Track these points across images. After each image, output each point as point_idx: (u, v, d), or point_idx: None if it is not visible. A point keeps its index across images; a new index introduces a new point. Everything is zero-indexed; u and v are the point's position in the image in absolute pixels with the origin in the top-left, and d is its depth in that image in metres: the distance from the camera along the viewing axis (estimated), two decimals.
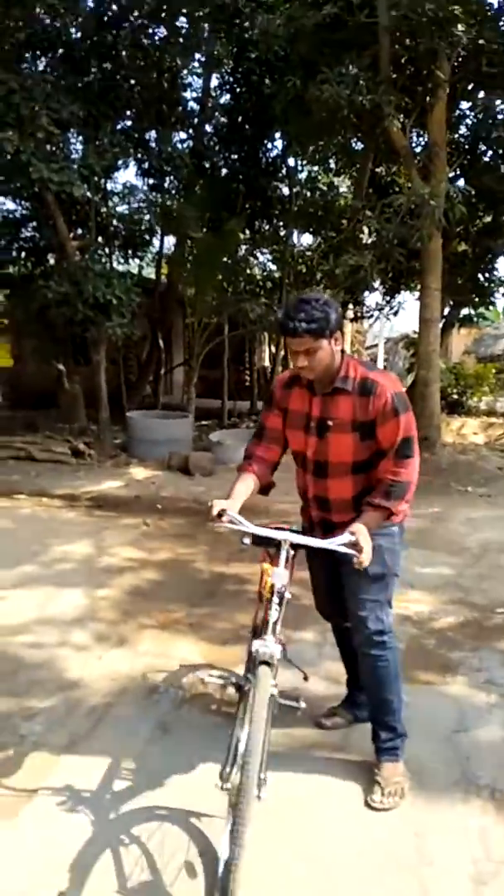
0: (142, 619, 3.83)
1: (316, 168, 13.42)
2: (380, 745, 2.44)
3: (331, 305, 2.14)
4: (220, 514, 2.11)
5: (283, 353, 13.97)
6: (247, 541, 2.19)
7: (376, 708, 2.45)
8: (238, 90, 11.78)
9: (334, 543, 2.09)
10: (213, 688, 2.97)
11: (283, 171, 12.61)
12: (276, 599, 2.07)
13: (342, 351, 2.24)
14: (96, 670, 3.25)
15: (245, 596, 4.11)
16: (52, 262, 10.90)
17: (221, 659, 3.34)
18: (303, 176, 13.18)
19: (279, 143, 12.34)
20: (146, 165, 11.45)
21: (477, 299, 13.15)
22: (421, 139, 10.77)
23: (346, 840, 2.17)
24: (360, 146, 11.57)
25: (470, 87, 9.83)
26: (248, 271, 12.76)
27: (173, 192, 11.90)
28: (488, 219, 11.79)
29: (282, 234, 13.02)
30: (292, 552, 2.14)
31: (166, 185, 11.88)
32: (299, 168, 13.02)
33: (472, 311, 14.15)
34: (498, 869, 2.04)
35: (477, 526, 6.00)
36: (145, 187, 12.23)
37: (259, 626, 2.16)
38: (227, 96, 12.25)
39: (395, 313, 14.49)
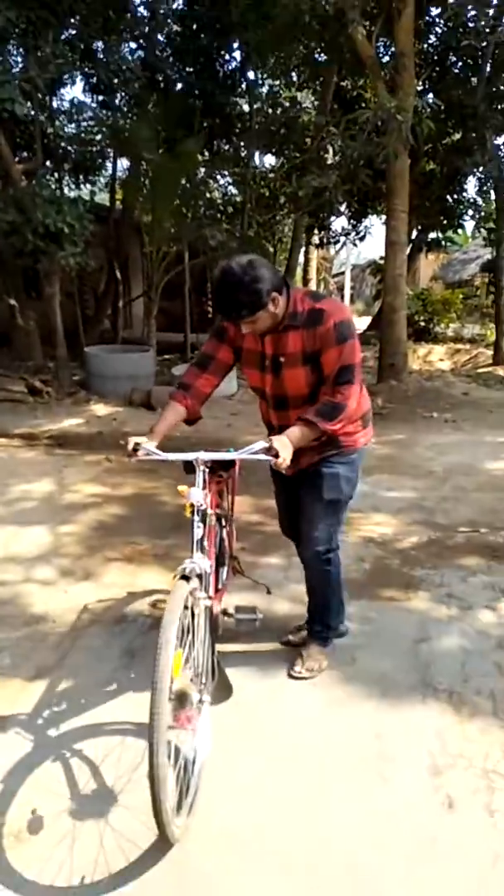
0: (107, 553, 3.89)
1: (277, 82, 12.88)
2: (312, 630, 2.79)
3: (260, 277, 2.12)
4: (134, 449, 2.23)
5: None
6: (180, 488, 2.26)
7: (317, 607, 2.76)
8: None
9: (246, 452, 2.19)
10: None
11: (243, 85, 12.08)
12: (196, 518, 2.15)
13: (287, 290, 2.25)
14: (62, 604, 3.31)
15: None
16: None
17: None
18: (263, 91, 12.65)
19: (237, 55, 11.79)
20: (94, 80, 10.80)
21: (445, 222, 13.02)
22: (388, 49, 10.37)
23: (308, 740, 2.32)
24: (323, 57, 11.11)
25: None
26: (208, 195, 12.38)
27: (125, 109, 11.32)
28: (457, 136, 11.55)
29: (242, 154, 12.57)
30: (207, 470, 2.22)
31: (117, 101, 11.28)
32: (259, 82, 12.48)
33: (440, 235, 14.04)
34: (454, 761, 2.20)
35: (442, 450, 6.15)
36: (94, 105, 11.61)
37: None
38: (181, 1, 11.56)
39: (362, 238, 14.36)
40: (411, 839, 1.92)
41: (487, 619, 3.11)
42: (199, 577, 2.07)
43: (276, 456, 2.13)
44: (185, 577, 2.01)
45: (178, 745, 1.98)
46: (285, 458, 2.14)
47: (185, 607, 1.95)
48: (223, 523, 2.77)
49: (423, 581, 3.50)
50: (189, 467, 2.27)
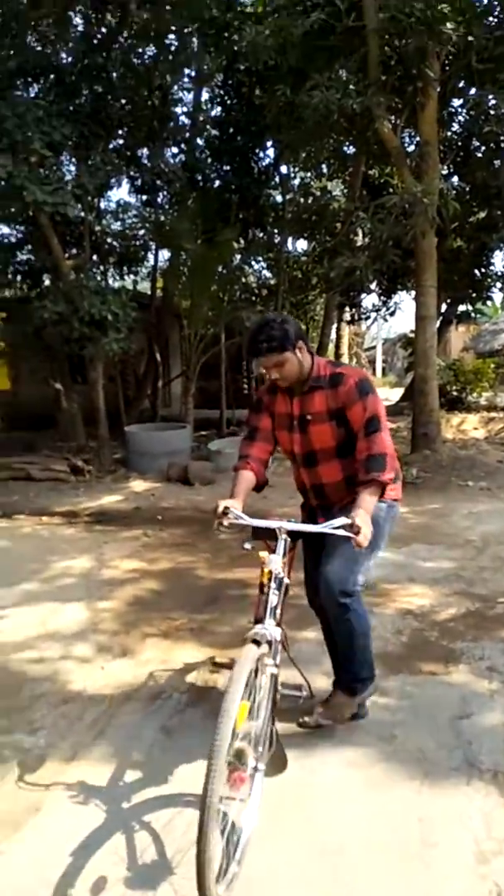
0: (144, 629, 3.90)
1: (308, 174, 13.63)
2: (338, 681, 2.70)
3: (288, 322, 2.49)
4: (224, 512, 2.31)
5: None
6: (247, 545, 2.37)
7: (342, 656, 2.65)
8: (229, 102, 12.03)
9: (330, 527, 2.22)
10: (218, 679, 3.09)
11: (276, 178, 12.81)
12: (273, 585, 2.21)
13: (311, 354, 2.55)
14: (99, 680, 3.31)
15: (248, 600, 4.17)
16: (47, 282, 11.08)
17: (224, 661, 3.39)
18: (295, 182, 13.40)
19: (271, 152, 12.58)
20: (139, 182, 11.67)
21: (474, 295, 13.27)
22: (413, 139, 10.93)
23: (350, 828, 2.23)
24: (351, 149, 11.77)
25: (461, 85, 9.99)
26: (243, 280, 12.95)
27: (166, 206, 12.10)
28: (482, 214, 11.94)
29: (276, 241, 13.19)
30: (289, 540, 2.29)
31: (159, 199, 12.08)
32: (292, 175, 13.23)
33: (470, 308, 14.27)
34: (500, 847, 2.09)
35: (478, 519, 6.06)
36: (138, 203, 12.47)
37: (260, 616, 2.27)
38: (218, 109, 12.50)
39: (392, 314, 14.67)
40: None
41: None
42: (269, 643, 2.11)
43: (358, 533, 2.17)
44: (256, 642, 2.05)
45: (227, 812, 1.92)
46: (366, 534, 2.19)
47: (253, 670, 1.98)
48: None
49: (464, 654, 3.40)
50: (260, 534, 2.35)
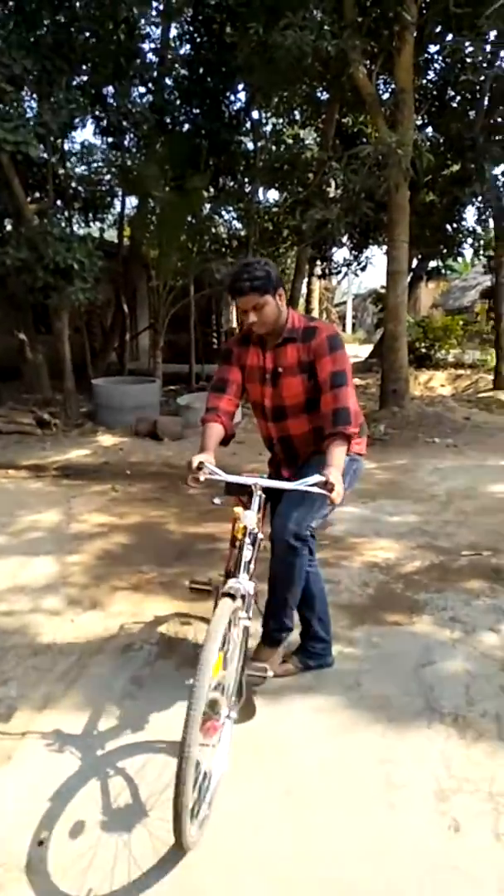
0: (114, 582, 3.91)
1: (281, 120, 13.22)
2: (266, 631, 2.75)
3: (270, 265, 2.49)
4: (199, 467, 2.29)
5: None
6: (217, 500, 2.41)
7: (274, 601, 2.67)
8: (198, 40, 11.52)
9: (304, 484, 2.23)
10: (188, 631, 3.15)
11: (248, 124, 12.40)
12: (248, 540, 2.24)
13: (287, 306, 2.57)
14: (70, 633, 3.32)
15: (217, 553, 4.21)
16: (8, 228, 10.64)
17: (195, 612, 3.45)
18: (267, 129, 12.99)
19: (242, 96, 12.14)
20: (104, 123, 11.16)
21: (445, 251, 13.20)
22: (388, 86, 10.65)
23: (316, 771, 2.31)
24: (325, 95, 11.42)
25: (438, 30, 9.72)
26: (213, 230, 12.63)
27: (134, 149, 11.64)
28: (456, 167, 11.78)
29: (247, 190, 12.85)
30: (263, 496, 2.32)
31: (126, 142, 11.62)
32: (263, 121, 12.81)
33: (441, 264, 14.22)
34: (459, 785, 2.20)
35: (444, 475, 6.18)
36: (104, 146, 11.96)
37: (231, 570, 2.33)
38: (188, 47, 11.95)
39: (363, 268, 14.54)
40: (418, 864, 1.92)
41: (491, 642, 3.11)
42: (243, 597, 2.16)
43: (332, 490, 2.18)
44: (231, 596, 2.09)
45: (199, 759, 1.96)
46: (339, 492, 2.21)
47: (229, 622, 2.03)
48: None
49: (427, 605, 3.50)
50: (233, 490, 2.38)
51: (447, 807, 2.12)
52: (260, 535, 2.30)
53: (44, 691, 2.82)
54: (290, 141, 12.90)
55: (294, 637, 2.96)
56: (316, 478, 2.22)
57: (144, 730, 2.53)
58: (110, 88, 10.95)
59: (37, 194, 11.12)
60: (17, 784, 2.26)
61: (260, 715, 2.57)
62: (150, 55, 11.83)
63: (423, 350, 14.44)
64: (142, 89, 11.87)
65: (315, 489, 2.20)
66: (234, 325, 16.61)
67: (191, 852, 1.91)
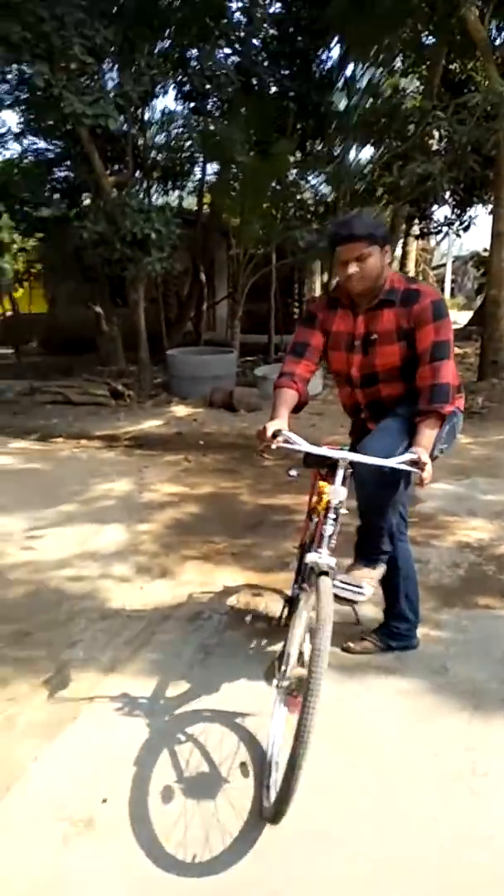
0: (184, 552, 3.95)
1: (379, 71, 12.74)
2: (359, 554, 2.52)
3: (381, 219, 2.36)
4: (274, 435, 2.19)
5: (335, 281, 13.69)
6: (293, 472, 2.31)
7: (367, 530, 2.50)
8: None
9: (394, 461, 2.14)
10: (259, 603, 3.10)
11: (340, 82, 12.04)
12: (331, 515, 2.14)
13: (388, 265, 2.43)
14: (138, 600, 3.38)
15: (291, 526, 4.18)
16: (87, 201, 10.87)
17: (266, 583, 3.43)
18: (362, 84, 12.56)
19: (335, 52, 11.78)
20: (187, 88, 11.13)
21: None
22: (501, 31, 10.12)
23: (400, 752, 2.25)
24: (431, 40, 10.94)
25: None
26: (298, 196, 12.42)
27: (216, 114, 11.57)
28: None
29: (336, 152, 12.53)
30: (350, 471, 2.19)
31: (209, 107, 11.55)
32: (358, 76, 12.41)
33: None
34: None
35: None
36: (186, 112, 11.95)
37: (310, 542, 2.29)
38: (278, 5, 11.70)
39: (466, 229, 13.95)
40: (500, 853, 1.83)
41: None
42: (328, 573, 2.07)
43: (423, 469, 2.12)
44: (325, 573, 2.01)
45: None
46: (430, 472, 2.14)
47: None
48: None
49: None
50: (312, 462, 2.28)
51: None
52: (344, 511, 2.19)
53: (111, 655, 2.88)
54: (388, 92, 12.44)
55: (376, 614, 2.89)
56: (407, 455, 2.14)
57: (213, 698, 2.54)
58: (194, 52, 10.90)
59: (116, 166, 11.27)
60: (82, 743, 2.31)
61: (342, 692, 2.52)
62: (237, 14, 11.68)
63: None
64: (227, 51, 11.73)
65: (404, 466, 2.13)
66: (318, 293, 16.39)
67: (274, 826, 1.91)
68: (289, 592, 2.94)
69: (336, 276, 2.62)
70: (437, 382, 2.32)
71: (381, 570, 2.51)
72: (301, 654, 2.13)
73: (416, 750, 2.26)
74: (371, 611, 2.99)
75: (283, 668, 2.14)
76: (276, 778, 1.97)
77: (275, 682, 2.14)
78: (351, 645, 2.81)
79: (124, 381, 9.27)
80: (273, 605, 3.19)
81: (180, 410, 8.15)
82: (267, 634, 2.91)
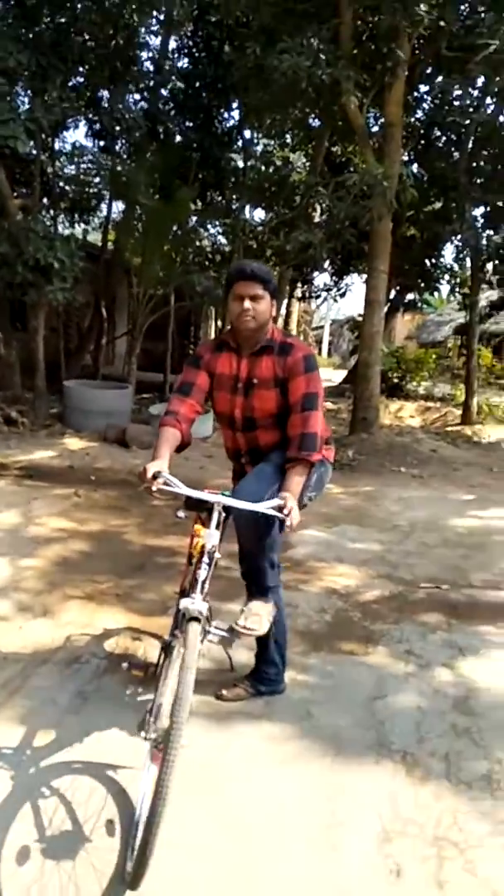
0: (67, 590, 3.77)
1: (272, 142, 13.30)
2: (251, 591, 2.53)
3: (272, 273, 2.51)
4: (154, 476, 2.14)
5: (229, 326, 13.91)
6: (181, 513, 2.25)
7: (250, 570, 2.52)
8: (196, 55, 11.55)
9: (262, 507, 2.16)
10: (138, 648, 3.03)
11: (239, 142, 12.44)
12: (205, 560, 2.12)
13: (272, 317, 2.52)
14: (16, 641, 3.18)
15: (176, 568, 4.11)
16: None
17: (147, 627, 3.33)
18: (258, 149, 13.04)
19: (236, 114, 12.19)
20: (97, 126, 11.09)
21: (423, 284, 13.39)
22: (377, 120, 10.82)
23: (260, 803, 2.21)
24: (317, 123, 11.55)
25: (428, 71, 9.93)
26: (198, 243, 12.59)
27: (124, 156, 11.57)
28: (438, 204, 11.98)
29: (234, 207, 12.88)
30: (224, 514, 2.19)
31: (117, 148, 11.55)
32: (255, 141, 12.86)
33: (417, 297, 14.41)
34: (404, 827, 2.13)
35: (408, 505, 6.18)
36: (95, 149, 11.87)
37: (187, 588, 2.24)
38: (186, 60, 11.97)
39: (342, 295, 14.69)
40: None
41: (444, 678, 3.06)
42: (196, 619, 2.02)
43: (289, 514, 2.13)
44: (196, 619, 1.98)
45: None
46: (295, 518, 2.15)
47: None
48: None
49: (384, 636, 3.44)
50: (192, 505, 2.24)
51: (391, 849, 2.04)
52: (217, 555, 2.18)
53: None
54: (279, 162, 12.98)
55: (248, 659, 2.88)
56: (275, 501, 2.17)
57: (85, 749, 2.41)
58: (105, 93, 10.92)
59: (23, 190, 10.93)
60: None
61: (207, 740, 2.47)
62: (147, 64, 11.85)
63: (396, 380, 14.57)
64: (137, 97, 11.86)
65: (273, 512, 2.15)
66: (212, 338, 16.56)
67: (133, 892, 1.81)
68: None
69: (228, 319, 2.66)
70: (305, 431, 2.39)
71: (272, 603, 2.51)
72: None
73: (280, 800, 2.23)
74: (244, 656, 2.98)
75: (151, 719, 2.05)
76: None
77: (142, 734, 2.04)
78: (224, 693, 2.77)
79: (19, 408, 8.84)
80: (151, 651, 3.10)
81: (74, 443, 7.87)
82: (144, 682, 2.81)
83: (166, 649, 2.26)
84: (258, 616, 2.41)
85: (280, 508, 2.14)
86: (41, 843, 1.98)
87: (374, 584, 4.17)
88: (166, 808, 1.70)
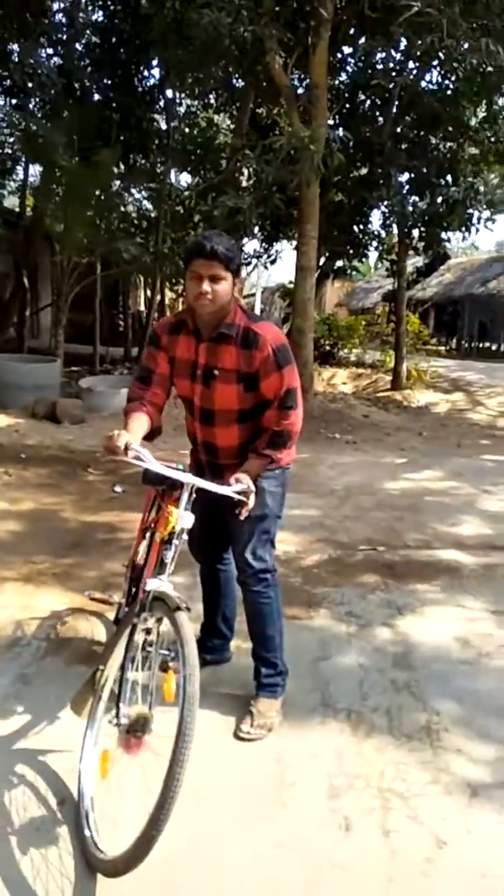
0: (3, 572, 3.66)
1: (195, 102, 12.91)
2: (260, 681, 2.56)
3: (237, 248, 2.32)
4: (126, 447, 2.02)
5: (158, 297, 13.61)
6: (118, 488, 2.23)
7: (259, 644, 2.57)
8: (112, 7, 10.98)
9: (230, 490, 2.14)
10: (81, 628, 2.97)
11: (161, 102, 12.02)
12: (176, 541, 2.08)
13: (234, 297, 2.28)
14: None
15: (116, 544, 4.06)
16: None
17: (89, 606, 3.27)
18: (181, 110, 12.64)
19: (157, 73, 11.75)
20: (8, 83, 10.46)
21: (351, 251, 13.45)
22: (303, 82, 10.68)
23: (210, 771, 2.23)
24: (241, 83, 11.28)
25: (352, 32, 9.82)
26: (123, 208, 12.16)
27: (39, 115, 10.98)
28: (365, 170, 11.99)
29: (158, 170, 12.49)
30: (194, 495, 2.11)
31: (31, 106, 10.94)
32: (178, 101, 12.46)
33: (346, 264, 14.49)
34: (351, 782, 2.20)
35: (343, 470, 6.30)
36: (7, 108, 11.21)
37: (146, 565, 2.25)
38: (100, 13, 11.39)
39: (273, 262, 14.55)
40: (306, 866, 1.89)
41: (384, 637, 3.16)
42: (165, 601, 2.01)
43: (248, 496, 2.14)
44: (180, 608, 1.96)
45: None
46: (250, 504, 2.17)
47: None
48: None
49: (325, 599, 3.52)
50: (152, 480, 2.21)
51: (338, 804, 2.11)
52: (185, 536, 2.13)
53: None
54: (203, 124, 12.65)
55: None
56: (240, 486, 2.15)
57: (27, 734, 2.36)
58: (15, 46, 10.30)
59: None
60: None
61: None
62: (59, 16, 11.23)
63: (328, 347, 14.70)
64: (50, 51, 11.27)
65: (235, 496, 2.14)
66: (142, 308, 16.20)
67: None
68: (111, 616, 2.85)
69: (183, 294, 2.56)
70: (280, 429, 2.31)
71: (280, 699, 2.55)
72: (145, 686, 2.02)
73: (229, 766, 2.27)
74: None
75: (120, 704, 1.98)
76: (96, 827, 1.89)
77: (108, 718, 1.98)
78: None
79: None
80: (97, 630, 3.07)
81: (1, 420, 7.58)
82: (89, 661, 2.78)
83: (120, 625, 2.20)
84: (269, 720, 2.44)
85: (243, 493, 2.15)
86: None
87: (313, 548, 4.24)
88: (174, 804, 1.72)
